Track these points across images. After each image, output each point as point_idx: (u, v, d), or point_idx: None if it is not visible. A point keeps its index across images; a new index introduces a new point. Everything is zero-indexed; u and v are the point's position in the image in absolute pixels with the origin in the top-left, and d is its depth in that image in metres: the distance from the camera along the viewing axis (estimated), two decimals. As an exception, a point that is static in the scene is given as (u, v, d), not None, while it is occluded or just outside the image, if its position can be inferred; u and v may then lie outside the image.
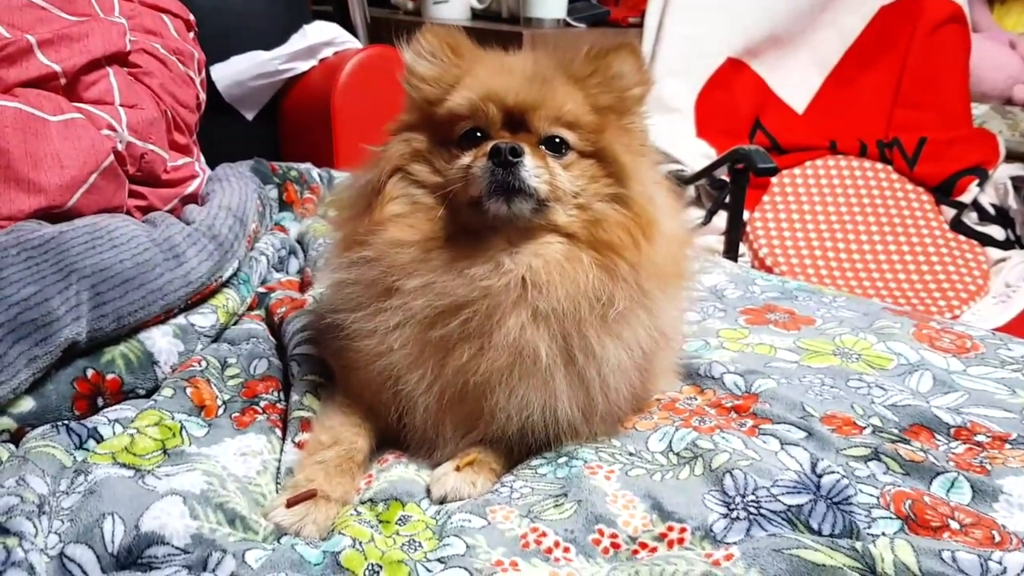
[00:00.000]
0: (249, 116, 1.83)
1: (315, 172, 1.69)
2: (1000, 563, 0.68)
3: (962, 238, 2.51)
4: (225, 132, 1.72)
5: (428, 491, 0.84)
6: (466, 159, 0.86)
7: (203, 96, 1.51)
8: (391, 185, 0.90)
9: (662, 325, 0.90)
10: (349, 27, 2.10)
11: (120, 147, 1.18)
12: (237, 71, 1.78)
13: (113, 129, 1.17)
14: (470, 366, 0.83)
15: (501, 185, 0.82)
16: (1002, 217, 2.57)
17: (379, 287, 0.86)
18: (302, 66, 1.86)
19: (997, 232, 2.53)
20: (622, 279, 0.84)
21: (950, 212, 2.56)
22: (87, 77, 1.20)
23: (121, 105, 1.22)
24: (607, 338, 0.84)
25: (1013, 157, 2.71)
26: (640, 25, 2.56)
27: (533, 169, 0.83)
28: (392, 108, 1.90)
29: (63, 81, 1.16)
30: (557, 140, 0.87)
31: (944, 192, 2.59)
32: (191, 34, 1.52)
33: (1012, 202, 2.55)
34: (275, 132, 1.90)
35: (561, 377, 0.84)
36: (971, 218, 2.58)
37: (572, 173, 0.87)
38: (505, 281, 0.82)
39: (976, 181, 2.58)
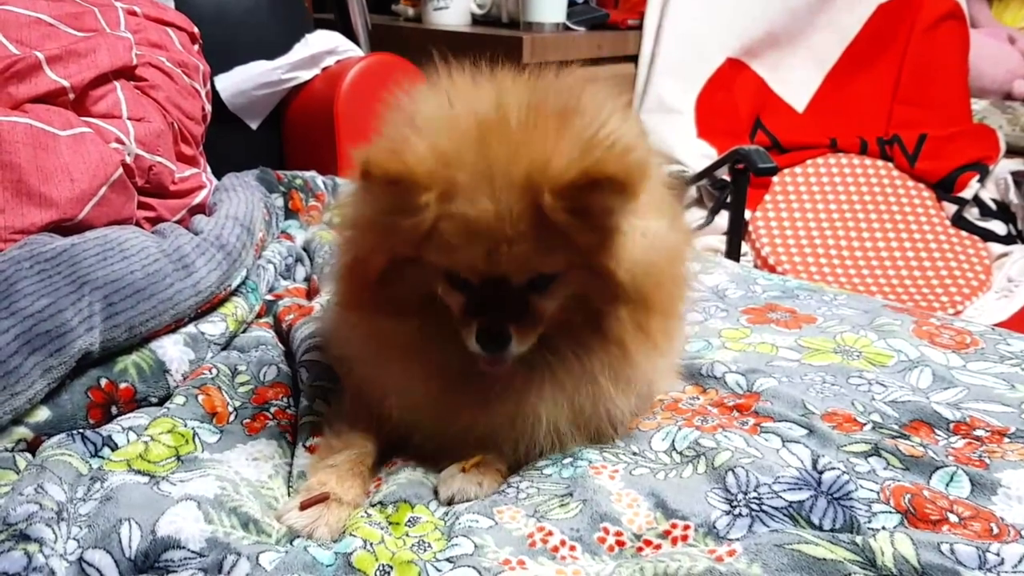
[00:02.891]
0: (253, 125, 1.84)
1: (320, 180, 1.71)
2: (998, 554, 0.69)
3: (964, 234, 2.52)
4: (230, 142, 1.73)
5: (436, 492, 0.86)
6: (452, 299, 0.83)
7: (208, 107, 1.52)
8: (373, 294, 0.87)
9: (665, 355, 0.93)
10: (351, 35, 2.11)
11: (128, 160, 1.19)
12: (240, 81, 1.79)
13: (121, 142, 1.19)
14: (474, 424, 0.87)
15: (490, 360, 0.83)
16: (1003, 212, 2.58)
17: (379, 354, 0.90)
18: (305, 75, 1.87)
19: (999, 227, 2.54)
20: (626, 367, 0.87)
21: (951, 208, 2.57)
22: (95, 92, 1.21)
23: (129, 118, 1.24)
24: (613, 395, 0.88)
25: (1013, 152, 2.71)
26: (639, 27, 2.57)
27: (521, 344, 0.81)
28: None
29: (72, 96, 1.18)
30: (541, 279, 0.81)
31: (945, 188, 2.60)
32: (196, 47, 1.53)
33: (1013, 197, 2.56)
34: (279, 141, 1.92)
35: (565, 420, 0.87)
36: (972, 214, 2.58)
37: (556, 296, 0.82)
38: (499, 421, 0.87)
39: (977, 177, 2.59)
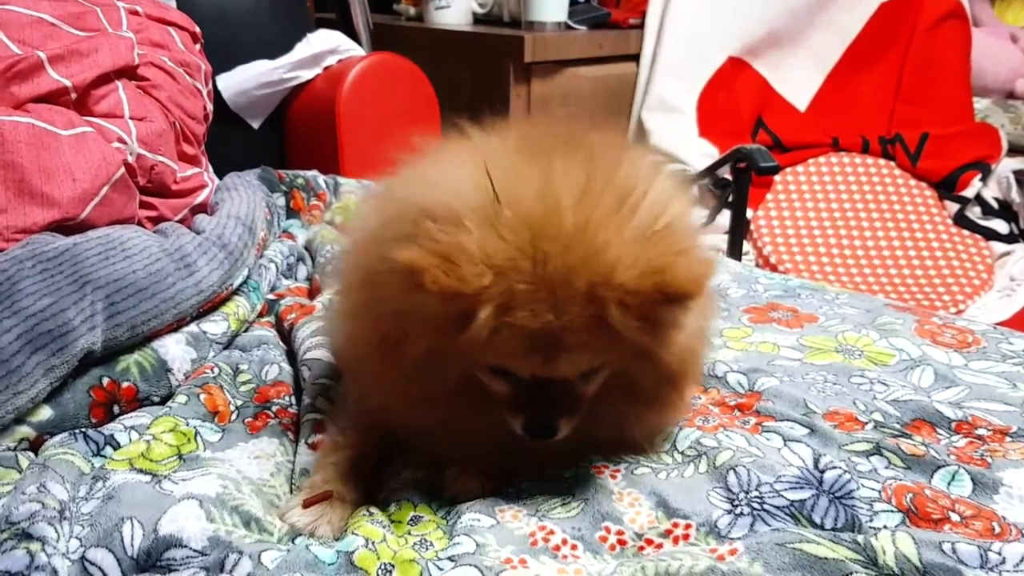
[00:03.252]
0: (255, 125, 1.85)
1: (321, 179, 1.71)
2: (1000, 553, 0.69)
3: (966, 233, 2.52)
4: (232, 141, 1.74)
5: (438, 491, 0.86)
6: (496, 386, 0.80)
7: (210, 107, 1.52)
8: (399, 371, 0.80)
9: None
10: (352, 34, 2.12)
11: (130, 159, 1.20)
12: (242, 80, 1.80)
13: (123, 142, 1.19)
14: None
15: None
16: (1005, 211, 2.57)
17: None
18: (307, 74, 1.87)
19: (1001, 226, 2.54)
20: (662, 426, 0.90)
21: (953, 207, 2.56)
22: (97, 91, 1.22)
23: (131, 118, 1.24)
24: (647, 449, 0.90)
25: (1015, 151, 2.71)
26: (641, 26, 2.57)
27: (567, 430, 0.79)
28: (396, 113, 1.93)
29: (74, 96, 1.18)
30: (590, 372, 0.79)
31: (947, 187, 2.60)
32: (197, 46, 1.54)
33: (1015, 196, 2.56)
34: (281, 140, 1.92)
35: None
36: (974, 212, 2.58)
37: (600, 379, 0.80)
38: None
39: (979, 175, 2.58)
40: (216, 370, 1.06)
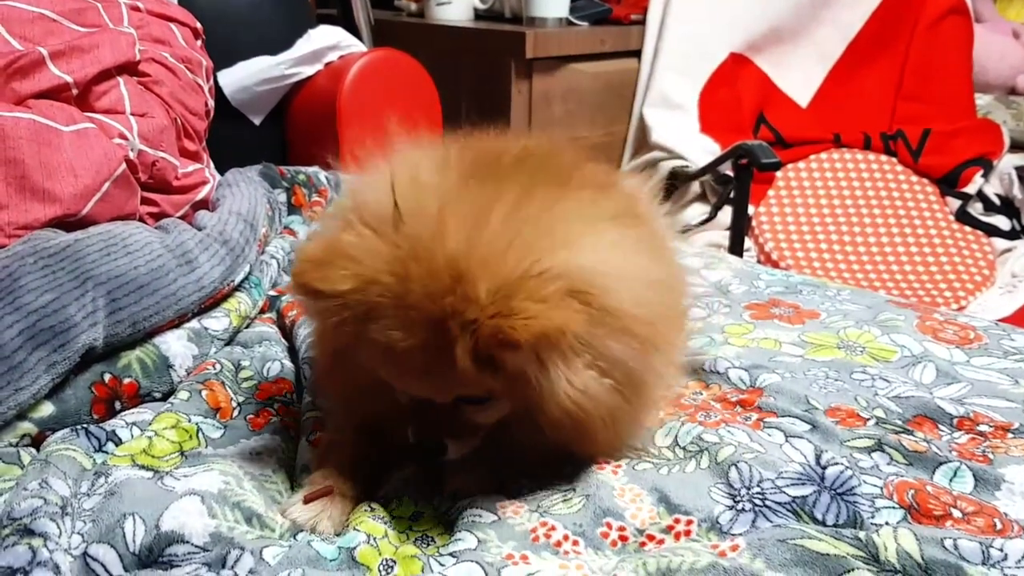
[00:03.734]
0: (256, 121, 1.85)
1: (323, 175, 1.71)
2: (1001, 550, 0.69)
3: (967, 229, 2.51)
4: (233, 137, 1.74)
5: (439, 487, 0.86)
6: (400, 396, 0.82)
7: (212, 103, 1.52)
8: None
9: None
10: (354, 30, 2.12)
11: (132, 155, 1.20)
12: (243, 77, 1.79)
13: (124, 138, 1.19)
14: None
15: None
16: (1007, 207, 2.57)
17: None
18: (308, 70, 1.87)
19: (1002, 222, 2.53)
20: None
21: (955, 203, 2.56)
22: (98, 87, 1.22)
23: (132, 114, 1.24)
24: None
25: (1017, 147, 2.71)
26: (642, 22, 2.57)
27: (459, 451, 0.80)
28: (397, 109, 1.92)
29: (75, 92, 1.18)
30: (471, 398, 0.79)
31: (949, 183, 2.59)
32: (198, 42, 1.53)
33: (1017, 192, 2.55)
34: (282, 136, 1.92)
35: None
36: (976, 208, 2.57)
37: (495, 409, 0.79)
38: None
39: (981, 172, 2.58)
40: (218, 366, 1.06)
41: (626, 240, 0.80)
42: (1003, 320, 1.50)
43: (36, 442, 0.91)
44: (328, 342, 0.83)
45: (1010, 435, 0.91)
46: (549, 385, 0.72)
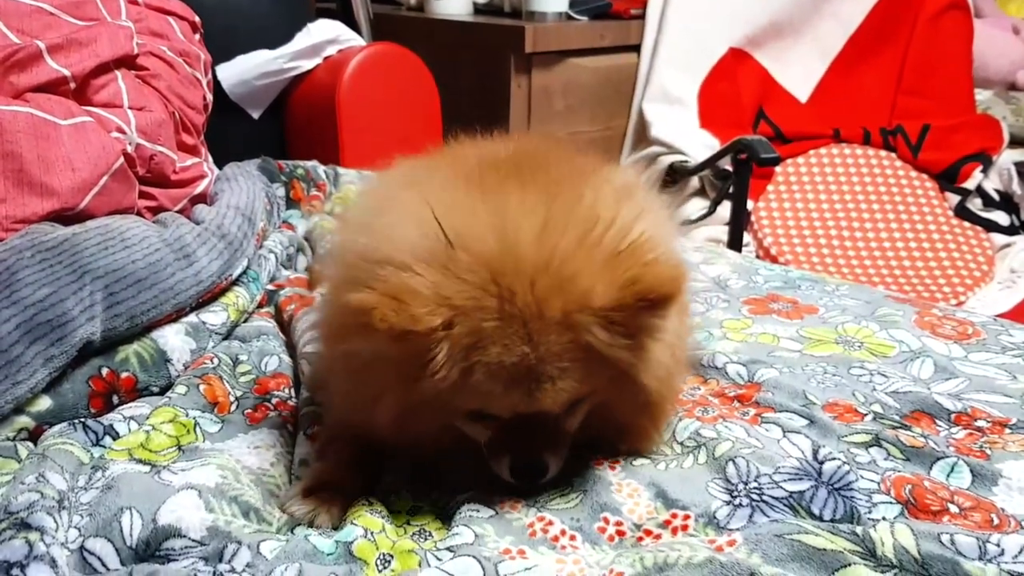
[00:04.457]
0: (255, 115, 1.84)
1: (321, 169, 1.70)
2: (998, 545, 0.69)
3: (966, 224, 2.52)
4: (231, 131, 1.73)
5: (437, 481, 0.86)
6: (475, 431, 0.81)
7: (210, 97, 1.52)
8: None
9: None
10: (352, 24, 2.11)
11: (130, 149, 1.19)
12: (242, 70, 1.79)
13: (122, 131, 1.19)
14: None
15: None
16: (1006, 203, 2.57)
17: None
18: (307, 64, 1.87)
19: (1001, 218, 2.54)
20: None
21: (954, 199, 2.56)
22: (96, 81, 1.21)
23: (130, 108, 1.23)
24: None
25: (1017, 143, 2.71)
26: (642, 16, 2.57)
27: (556, 467, 0.80)
28: (396, 104, 1.92)
29: (72, 85, 1.17)
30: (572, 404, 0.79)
31: (948, 179, 2.60)
32: (197, 36, 1.53)
33: (1016, 187, 2.55)
34: (281, 130, 1.92)
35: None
36: (975, 204, 2.58)
37: (583, 411, 0.81)
38: None
39: (980, 167, 2.58)
40: (216, 360, 1.06)
41: (646, 208, 0.81)
42: (1001, 316, 1.50)
43: (33, 436, 0.91)
44: (389, 402, 0.76)
45: (1008, 430, 0.91)
46: (661, 343, 0.76)
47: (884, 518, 0.76)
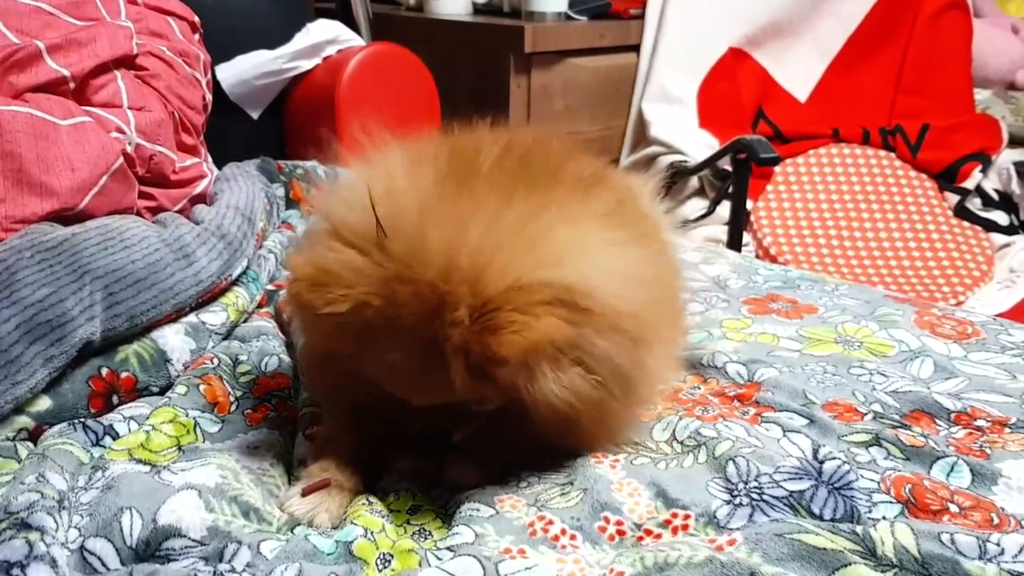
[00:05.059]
0: (254, 115, 1.84)
1: (321, 170, 1.70)
2: (998, 544, 0.69)
3: (966, 224, 2.52)
4: (231, 131, 1.73)
5: (438, 479, 0.86)
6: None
7: (209, 97, 1.52)
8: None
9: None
10: (352, 24, 2.11)
11: (129, 149, 1.19)
12: (242, 70, 1.79)
13: (122, 132, 1.19)
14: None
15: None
16: (1006, 203, 2.57)
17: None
18: (306, 64, 1.87)
19: (1001, 218, 2.54)
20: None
21: (953, 198, 2.56)
22: (95, 81, 1.21)
23: (129, 108, 1.23)
24: None
25: (1016, 142, 2.71)
26: (641, 16, 2.57)
27: (462, 434, 0.83)
28: (396, 104, 1.92)
29: (72, 85, 1.17)
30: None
31: (947, 178, 2.60)
32: (196, 36, 1.53)
33: (1015, 187, 2.56)
34: (280, 130, 1.92)
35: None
36: (975, 204, 2.58)
37: (493, 403, 0.82)
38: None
39: (979, 167, 2.58)
40: (215, 361, 1.06)
41: (613, 237, 0.79)
42: (1001, 315, 1.50)
43: (33, 436, 0.91)
44: (319, 345, 0.83)
45: (1007, 430, 0.91)
46: (538, 389, 0.73)
47: (884, 517, 0.76)
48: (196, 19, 1.54)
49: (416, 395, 0.79)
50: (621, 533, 0.77)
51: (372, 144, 0.86)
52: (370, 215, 0.73)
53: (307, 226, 0.88)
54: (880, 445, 0.87)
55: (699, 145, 2.43)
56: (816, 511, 0.77)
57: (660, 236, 0.96)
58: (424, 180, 0.77)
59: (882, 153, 2.61)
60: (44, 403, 0.92)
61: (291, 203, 1.61)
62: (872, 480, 0.80)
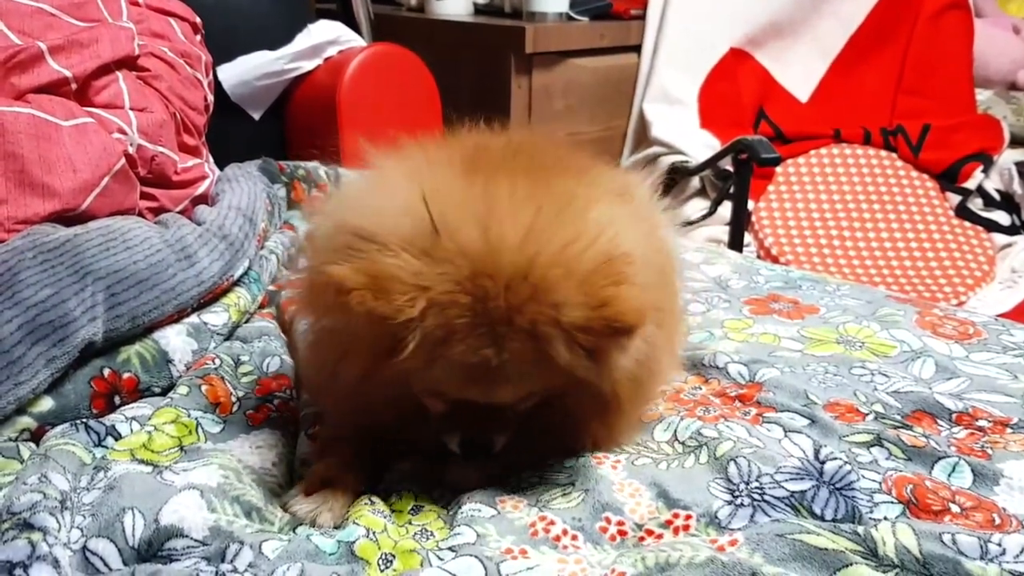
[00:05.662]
0: (256, 116, 1.84)
1: (322, 170, 1.70)
2: (1000, 545, 0.69)
3: (967, 224, 2.52)
4: (232, 132, 1.73)
5: (439, 480, 0.86)
6: (432, 403, 0.82)
7: (211, 98, 1.52)
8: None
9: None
10: (353, 25, 2.11)
11: (131, 150, 1.19)
12: (243, 71, 1.79)
13: (124, 132, 1.19)
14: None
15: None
16: (1007, 203, 2.57)
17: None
18: (307, 65, 1.87)
19: (1002, 218, 2.54)
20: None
21: (955, 198, 2.56)
22: (97, 82, 1.21)
23: (131, 109, 1.23)
24: None
25: (1017, 142, 2.71)
26: (642, 17, 2.57)
27: (500, 446, 0.82)
28: (397, 104, 1.92)
29: (74, 86, 1.17)
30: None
31: (949, 178, 2.60)
32: (198, 37, 1.53)
33: (1017, 187, 2.55)
34: (282, 131, 1.91)
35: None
36: (976, 204, 2.58)
37: (535, 400, 0.81)
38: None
39: (981, 167, 2.58)
40: (217, 361, 1.06)
41: (635, 219, 0.82)
42: (1002, 315, 1.50)
43: (36, 437, 0.91)
44: (352, 367, 0.77)
45: (1009, 430, 0.91)
46: (624, 357, 0.75)
47: (886, 518, 0.76)
48: (198, 20, 1.54)
49: (489, 391, 0.76)
50: (622, 533, 0.77)
51: (380, 149, 0.85)
52: (413, 219, 0.72)
53: (309, 233, 0.85)
54: (881, 445, 0.87)
55: (700, 145, 2.43)
56: (817, 511, 0.77)
57: (658, 232, 0.96)
58: (454, 179, 0.77)
59: (883, 153, 2.61)
60: (46, 404, 0.92)
61: (292, 204, 1.61)
62: (873, 480, 0.80)
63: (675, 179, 2.42)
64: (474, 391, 0.76)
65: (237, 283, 1.22)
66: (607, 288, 0.70)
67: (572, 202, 0.75)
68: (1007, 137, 2.69)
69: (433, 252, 0.71)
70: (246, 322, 1.21)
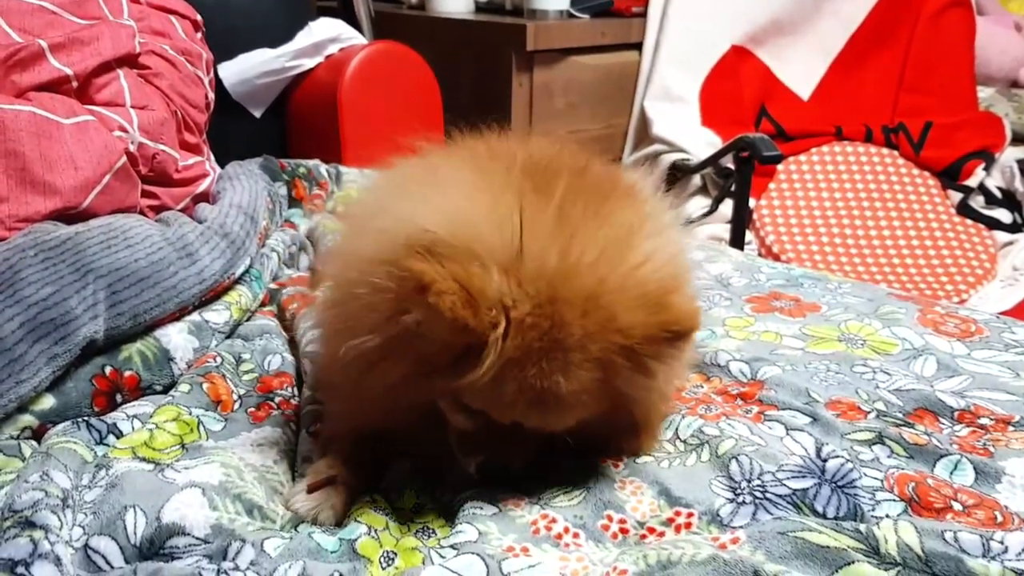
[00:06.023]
0: (257, 114, 1.84)
1: (323, 168, 1.70)
2: (1001, 542, 0.69)
3: (969, 222, 2.51)
4: (233, 130, 1.73)
5: (441, 478, 0.86)
6: (456, 418, 0.80)
7: (212, 96, 1.52)
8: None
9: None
10: (354, 23, 2.11)
11: (132, 148, 1.19)
12: (244, 69, 1.79)
13: (125, 130, 1.19)
14: None
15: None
16: (1009, 200, 2.57)
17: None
18: (308, 63, 1.87)
19: (1004, 215, 2.53)
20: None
21: (957, 196, 2.56)
22: (98, 80, 1.21)
23: (132, 107, 1.23)
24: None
25: (1019, 140, 2.71)
26: (643, 14, 2.57)
27: (517, 471, 0.81)
28: (398, 102, 1.92)
29: (75, 84, 1.18)
30: None
31: (950, 176, 2.59)
32: (199, 34, 1.53)
33: (1019, 185, 2.55)
34: (283, 129, 1.92)
35: None
36: (978, 202, 2.58)
37: None
38: None
39: (982, 165, 2.58)
40: (219, 359, 1.06)
41: (667, 230, 0.82)
42: (1004, 313, 1.49)
43: (37, 435, 0.91)
44: (392, 369, 0.73)
45: (1011, 428, 0.91)
46: (665, 370, 0.76)
47: (888, 515, 0.76)
48: (198, 18, 1.54)
49: (553, 419, 0.75)
50: (624, 531, 0.77)
51: (412, 151, 0.84)
52: (502, 234, 0.70)
53: (343, 213, 0.82)
54: (883, 443, 0.87)
55: (701, 143, 2.43)
56: (819, 509, 0.77)
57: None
58: (527, 196, 0.74)
59: (885, 151, 2.60)
60: (48, 401, 0.92)
61: (294, 202, 1.61)
62: (875, 478, 0.80)
63: (676, 177, 2.42)
64: (530, 415, 0.74)
65: (238, 281, 1.22)
66: (661, 300, 0.71)
67: (630, 229, 0.75)
68: (1009, 135, 2.69)
69: (516, 271, 0.69)
70: (247, 320, 1.21)
